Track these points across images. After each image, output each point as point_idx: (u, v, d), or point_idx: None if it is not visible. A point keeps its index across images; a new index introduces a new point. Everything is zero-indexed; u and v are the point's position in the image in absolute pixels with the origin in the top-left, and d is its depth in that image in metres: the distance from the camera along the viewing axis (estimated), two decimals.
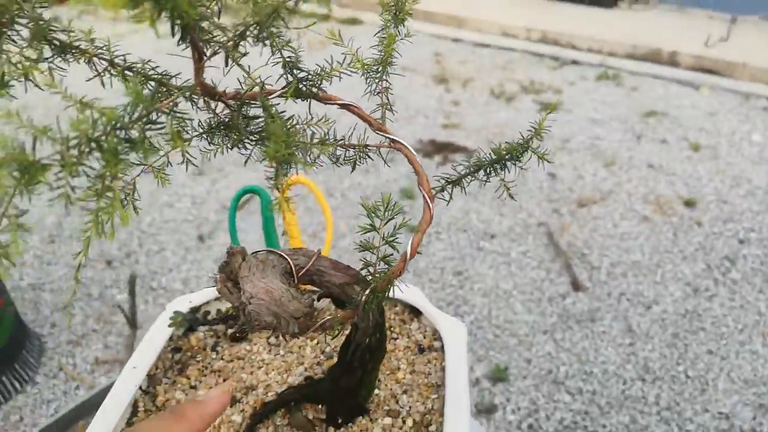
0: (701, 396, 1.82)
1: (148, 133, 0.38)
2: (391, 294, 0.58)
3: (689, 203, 2.73)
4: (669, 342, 2.01)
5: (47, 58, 0.43)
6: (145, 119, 0.38)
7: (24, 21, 0.42)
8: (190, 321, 0.85)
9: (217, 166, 3.06)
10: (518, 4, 5.47)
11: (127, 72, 0.43)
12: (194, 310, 0.87)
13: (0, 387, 1.82)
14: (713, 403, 1.80)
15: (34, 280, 2.32)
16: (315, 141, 0.51)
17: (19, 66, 0.41)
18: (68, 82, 0.43)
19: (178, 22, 0.35)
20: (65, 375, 1.93)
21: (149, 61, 0.46)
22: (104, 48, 0.44)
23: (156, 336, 0.81)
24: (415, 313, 0.88)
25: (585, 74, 4.27)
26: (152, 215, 2.69)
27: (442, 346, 0.81)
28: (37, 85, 0.44)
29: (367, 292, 0.57)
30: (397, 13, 0.64)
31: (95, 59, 0.44)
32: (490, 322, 2.11)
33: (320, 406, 0.73)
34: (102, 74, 0.44)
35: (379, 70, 0.63)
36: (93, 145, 0.35)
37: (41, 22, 0.42)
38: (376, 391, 0.75)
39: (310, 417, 0.73)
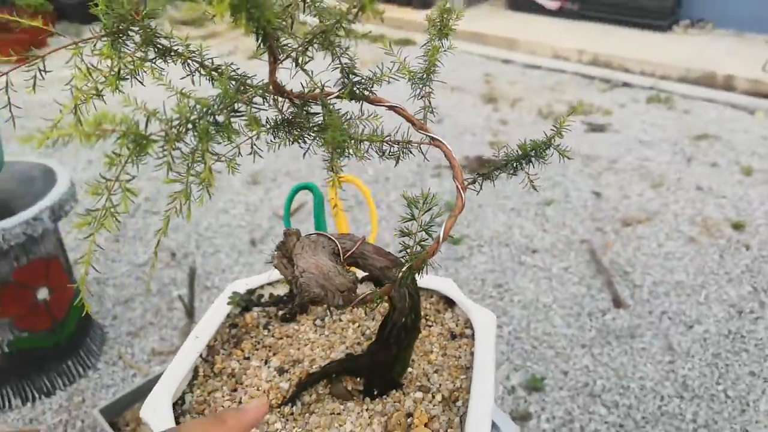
0: (741, 416, 1.81)
1: (231, 119, 0.47)
2: (425, 273, 0.66)
3: (738, 226, 2.70)
4: (710, 361, 2.01)
5: (152, 59, 0.53)
6: (230, 108, 0.48)
7: (136, 29, 0.52)
8: (246, 301, 0.95)
9: (270, 176, 3.20)
10: (572, 28, 5.50)
11: (213, 72, 0.53)
12: (250, 292, 0.97)
13: (66, 370, 1.97)
14: (753, 424, 1.78)
15: (99, 276, 2.49)
16: (364, 136, 0.59)
17: (131, 65, 0.52)
18: (167, 78, 0.54)
19: (262, 31, 0.44)
20: (124, 363, 2.06)
21: (232, 63, 0.56)
22: (196, 52, 0.55)
23: (216, 312, 0.91)
24: (449, 303, 0.95)
25: (636, 96, 4.26)
26: (209, 220, 2.84)
27: (473, 334, 0.87)
28: (140, 82, 0.54)
29: (404, 269, 0.65)
30: (442, 28, 0.73)
31: (189, 61, 0.54)
32: (529, 334, 2.14)
33: (358, 379, 0.81)
34: (193, 73, 0.54)
35: (423, 77, 0.71)
36: (190, 125, 0.45)
37: (149, 30, 0.52)
38: (410, 369, 0.83)
39: (349, 388, 0.81)
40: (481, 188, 0.72)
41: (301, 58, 0.50)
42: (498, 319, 2.23)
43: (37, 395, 1.92)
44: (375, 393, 0.79)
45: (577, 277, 2.42)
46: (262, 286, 0.99)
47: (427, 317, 0.93)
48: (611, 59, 4.80)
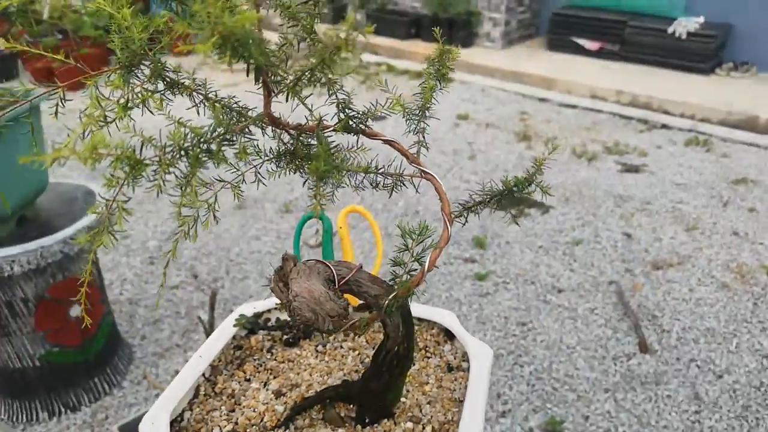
0: None
1: (223, 148, 0.51)
2: (412, 301, 0.68)
3: None
4: (739, 413, 1.93)
5: (160, 91, 0.58)
6: (222, 137, 0.51)
7: (147, 63, 0.57)
8: (252, 324, 0.98)
9: (302, 205, 3.26)
10: (612, 69, 5.49)
11: (216, 104, 0.57)
12: (257, 315, 1.00)
13: (92, 387, 2.03)
14: None
15: (132, 296, 2.56)
16: (353, 166, 0.62)
17: (139, 95, 0.56)
18: (173, 108, 0.58)
19: (252, 64, 0.48)
20: (148, 383, 2.11)
21: (234, 96, 0.60)
22: (201, 86, 0.59)
23: (222, 333, 0.95)
24: (450, 336, 0.96)
25: (674, 138, 4.21)
26: (240, 246, 2.90)
27: (470, 368, 0.88)
28: (150, 111, 0.59)
29: (390, 297, 0.67)
30: (440, 68, 0.76)
31: (194, 93, 0.58)
32: (550, 375, 2.11)
33: (351, 406, 0.83)
34: (198, 104, 0.59)
35: (418, 114, 0.74)
36: (182, 152, 0.49)
37: (159, 64, 0.57)
38: (403, 399, 0.84)
39: (342, 414, 0.82)
40: (466, 221, 0.74)
41: (290, 93, 0.53)
42: (519, 358, 2.21)
43: (63, 410, 1.98)
44: (366, 421, 0.81)
45: (603, 319, 2.37)
46: (269, 310, 1.02)
47: (427, 348, 0.94)
48: (650, 100, 4.76)
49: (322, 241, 1.01)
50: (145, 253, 2.86)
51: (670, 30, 5.37)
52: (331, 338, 0.96)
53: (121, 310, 2.49)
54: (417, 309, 0.98)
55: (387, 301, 0.67)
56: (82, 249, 1.80)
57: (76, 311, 1.91)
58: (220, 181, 0.65)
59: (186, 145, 0.48)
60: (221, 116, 0.50)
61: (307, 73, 0.52)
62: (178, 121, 0.51)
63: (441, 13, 6.11)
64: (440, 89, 0.75)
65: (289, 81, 0.53)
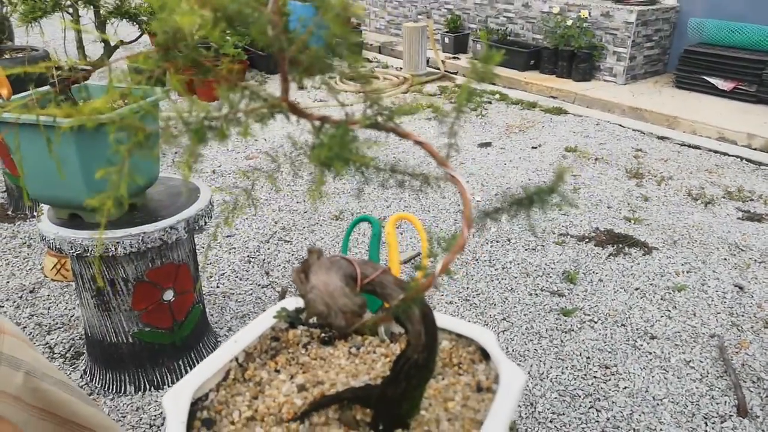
0: None
1: (226, 126, 0.53)
2: (422, 303, 0.66)
3: None
4: None
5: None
6: (229, 116, 0.53)
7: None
8: (292, 318, 0.99)
9: (404, 227, 3.29)
10: (745, 110, 5.06)
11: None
12: (299, 311, 1.01)
13: (177, 368, 2.15)
14: None
15: (227, 290, 2.70)
16: (365, 158, 0.62)
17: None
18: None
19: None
20: None
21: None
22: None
23: (260, 323, 0.97)
24: (486, 356, 0.92)
25: None
26: (330, 254, 2.97)
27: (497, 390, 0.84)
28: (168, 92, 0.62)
29: (399, 299, 0.66)
30: (483, 78, 0.74)
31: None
32: (630, 425, 1.95)
33: (368, 410, 0.82)
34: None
35: (454, 116, 0.73)
36: (185, 126, 0.51)
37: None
38: (423, 412, 0.81)
39: (358, 417, 0.81)
40: (486, 229, 0.71)
41: (300, 77, 0.55)
42: (597, 402, 2.07)
43: (148, 386, 2.11)
44: (380, 428, 0.79)
45: (698, 374, 2.17)
46: None
47: (460, 365, 0.91)
48: None
49: (370, 243, 1.01)
50: (245, 252, 3.00)
51: None
52: (365, 342, 0.95)
53: (215, 302, 2.63)
54: (455, 324, 0.95)
55: (395, 303, 0.66)
56: (179, 239, 1.93)
57: (169, 296, 2.05)
58: (258, 170, 0.67)
59: (190, 120, 0.51)
60: (228, 95, 0.52)
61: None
62: (194, 100, 0.54)
63: (562, 47, 5.97)
64: (488, 101, 0.72)
65: (301, 67, 0.54)
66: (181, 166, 0.51)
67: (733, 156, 4.29)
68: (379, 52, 7.64)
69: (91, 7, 1.76)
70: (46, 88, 1.77)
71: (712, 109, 5.10)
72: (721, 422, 1.96)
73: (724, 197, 3.61)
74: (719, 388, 2.10)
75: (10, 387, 0.74)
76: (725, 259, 2.89)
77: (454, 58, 6.92)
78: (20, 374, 0.76)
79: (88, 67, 1.50)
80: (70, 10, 1.71)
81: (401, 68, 6.64)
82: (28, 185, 1.80)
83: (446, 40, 7.14)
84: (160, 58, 0.50)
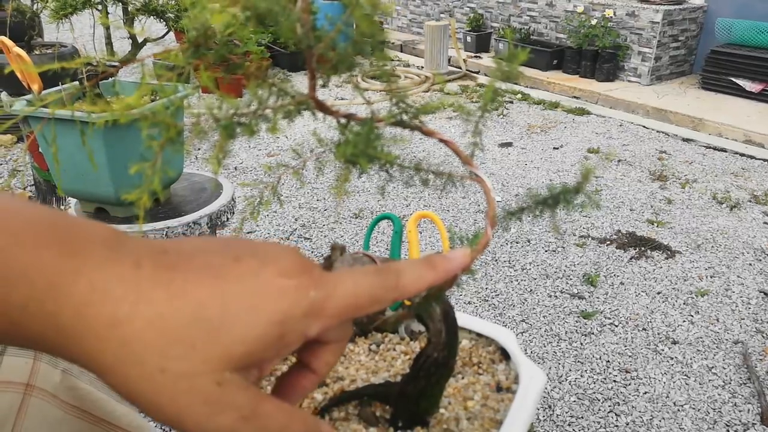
0: None
1: (255, 122, 0.53)
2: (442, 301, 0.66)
3: None
4: None
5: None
6: (258, 112, 0.54)
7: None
8: None
9: (424, 225, 3.29)
10: None
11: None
12: None
13: None
14: None
15: None
16: (389, 156, 0.62)
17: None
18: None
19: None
20: None
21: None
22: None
23: None
24: (507, 356, 0.92)
25: None
26: (351, 250, 2.98)
27: (517, 390, 0.84)
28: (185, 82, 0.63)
29: (417, 298, 0.66)
30: (508, 77, 0.74)
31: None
32: (649, 431, 1.93)
33: (387, 407, 0.82)
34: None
35: (479, 115, 0.72)
36: (215, 122, 0.52)
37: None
38: (442, 410, 0.81)
39: (377, 414, 0.81)
40: (509, 228, 0.71)
41: (328, 75, 0.55)
42: (616, 406, 2.05)
43: None
44: (399, 425, 0.79)
45: (721, 380, 2.14)
46: None
47: (480, 365, 0.91)
48: None
49: (392, 241, 1.01)
50: None
51: None
52: (385, 340, 0.96)
53: None
54: (476, 323, 0.95)
55: (412, 300, 0.66)
56: (202, 233, 1.95)
57: None
58: (283, 165, 0.68)
59: (219, 115, 0.51)
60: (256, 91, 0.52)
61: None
62: (221, 94, 0.55)
63: (586, 46, 5.92)
64: (510, 101, 0.72)
65: (330, 65, 0.55)
66: (211, 161, 0.51)
67: (759, 159, 4.22)
68: (401, 51, 7.64)
69: (120, 3, 1.78)
70: (75, 83, 1.80)
71: (738, 111, 5.02)
72: (744, 430, 1.93)
73: (750, 201, 3.55)
74: (742, 395, 2.07)
75: (48, 384, 0.75)
76: (750, 264, 2.84)
77: (476, 57, 6.89)
78: (58, 372, 0.77)
79: (117, 64, 1.53)
80: (100, 6, 1.74)
81: (422, 67, 6.63)
82: (59, 179, 1.84)
83: (468, 39, 7.12)
84: (191, 54, 0.50)
